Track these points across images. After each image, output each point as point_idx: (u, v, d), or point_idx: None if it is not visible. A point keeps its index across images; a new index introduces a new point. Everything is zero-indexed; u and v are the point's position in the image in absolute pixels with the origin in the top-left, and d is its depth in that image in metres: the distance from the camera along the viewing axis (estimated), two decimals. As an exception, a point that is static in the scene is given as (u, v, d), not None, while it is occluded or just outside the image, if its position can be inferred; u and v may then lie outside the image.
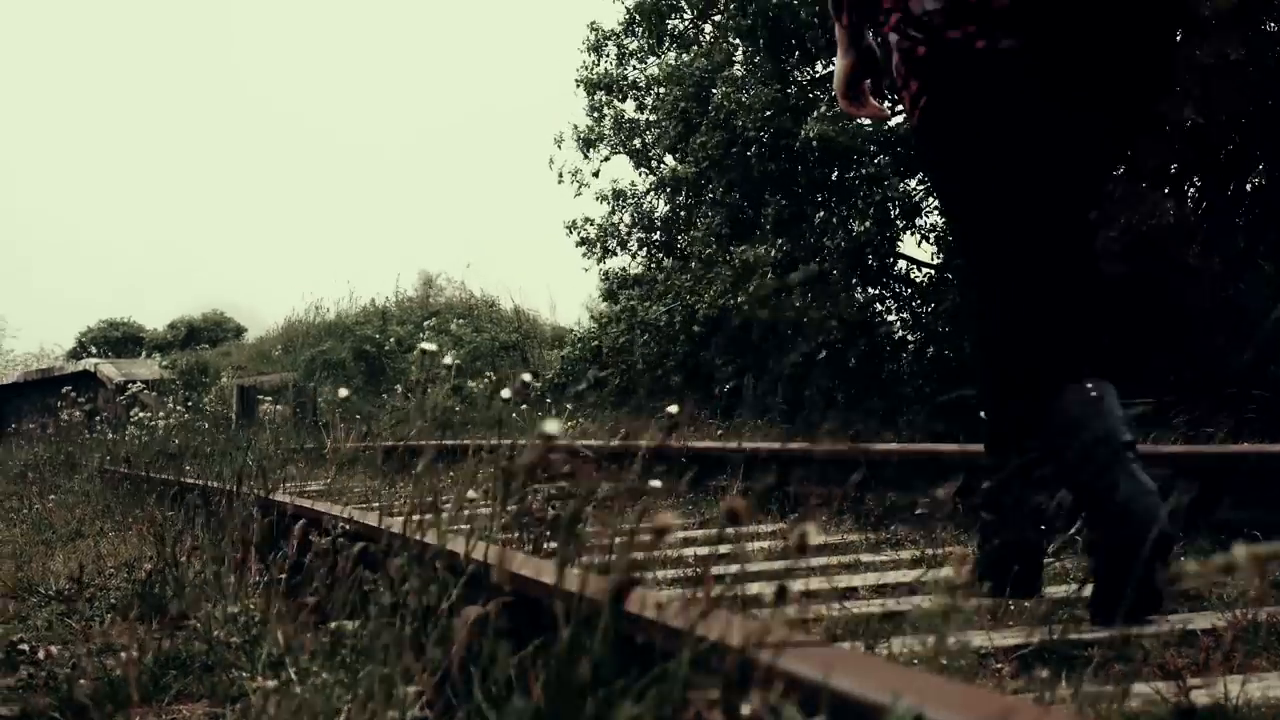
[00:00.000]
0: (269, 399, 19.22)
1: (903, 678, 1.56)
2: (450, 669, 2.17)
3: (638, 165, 18.93)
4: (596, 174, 19.17)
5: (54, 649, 3.35)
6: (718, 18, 17.79)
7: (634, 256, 19.26)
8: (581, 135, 19.06)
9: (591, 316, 20.46)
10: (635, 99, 18.94)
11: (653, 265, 18.78)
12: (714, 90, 16.67)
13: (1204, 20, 13.08)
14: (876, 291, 16.32)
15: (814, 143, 15.36)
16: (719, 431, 11.66)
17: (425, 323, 27.38)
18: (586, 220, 19.27)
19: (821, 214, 15.78)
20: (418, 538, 2.59)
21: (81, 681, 2.86)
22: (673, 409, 3.20)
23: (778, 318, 14.76)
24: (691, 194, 17.53)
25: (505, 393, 2.51)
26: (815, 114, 15.78)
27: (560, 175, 19.21)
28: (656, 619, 1.85)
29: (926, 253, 16.63)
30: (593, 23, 18.98)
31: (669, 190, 18.17)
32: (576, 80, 19.12)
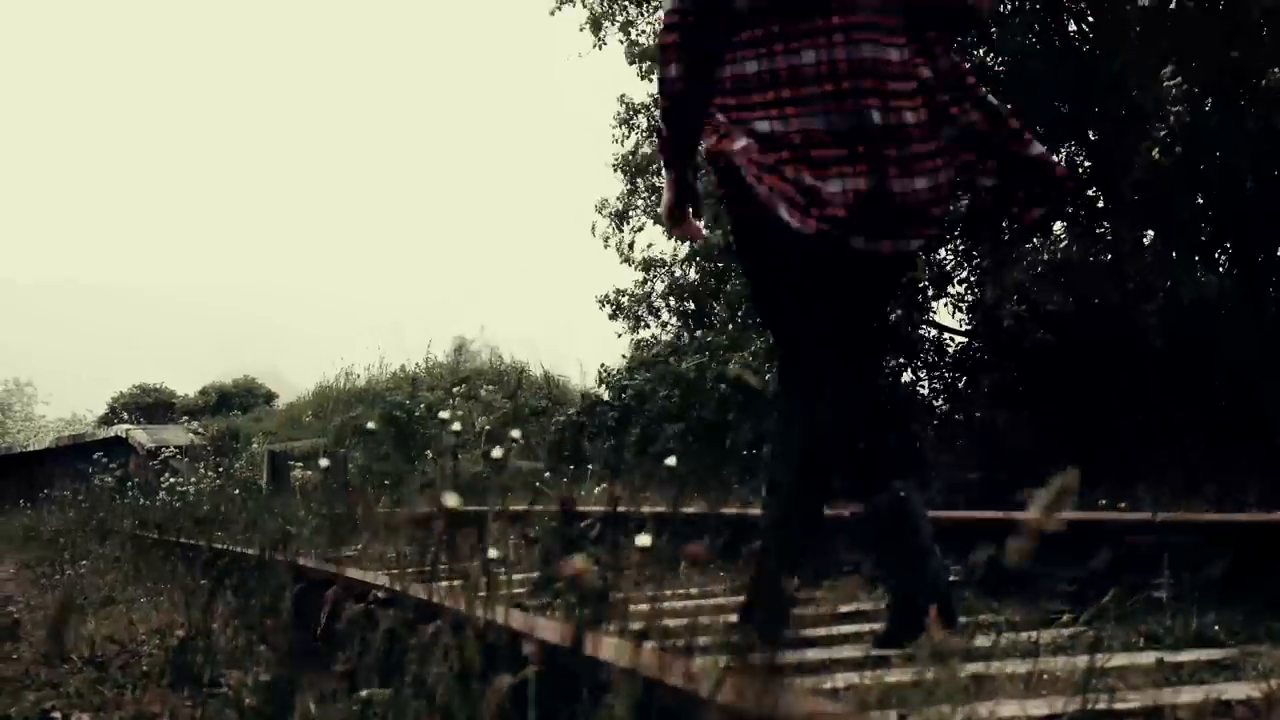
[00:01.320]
0: (300, 464, 19.26)
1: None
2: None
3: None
4: (631, 245, 19.26)
5: (85, 716, 3.36)
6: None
7: (664, 326, 19.34)
8: (613, 211, 19.21)
9: (608, 377, 20.45)
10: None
11: (684, 334, 18.84)
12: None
13: (1253, 89, 13.13)
14: (904, 361, 16.31)
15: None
16: (749, 496, 11.61)
17: (454, 389, 27.44)
18: (619, 292, 19.38)
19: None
20: (447, 604, 2.60)
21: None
22: (670, 461, 3.24)
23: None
24: (722, 262, 17.60)
25: (496, 451, 2.52)
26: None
27: (605, 241, 19.33)
28: (683, 686, 1.85)
29: (958, 321, 16.64)
30: (622, 96, 19.10)
31: (700, 259, 18.25)
32: (610, 164, 19.25)
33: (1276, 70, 13.11)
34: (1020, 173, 4.00)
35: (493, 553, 2.93)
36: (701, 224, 4.43)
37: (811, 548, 3.96)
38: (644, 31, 18.59)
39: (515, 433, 2.82)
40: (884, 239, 3.79)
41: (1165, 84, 13.49)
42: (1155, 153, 14.15)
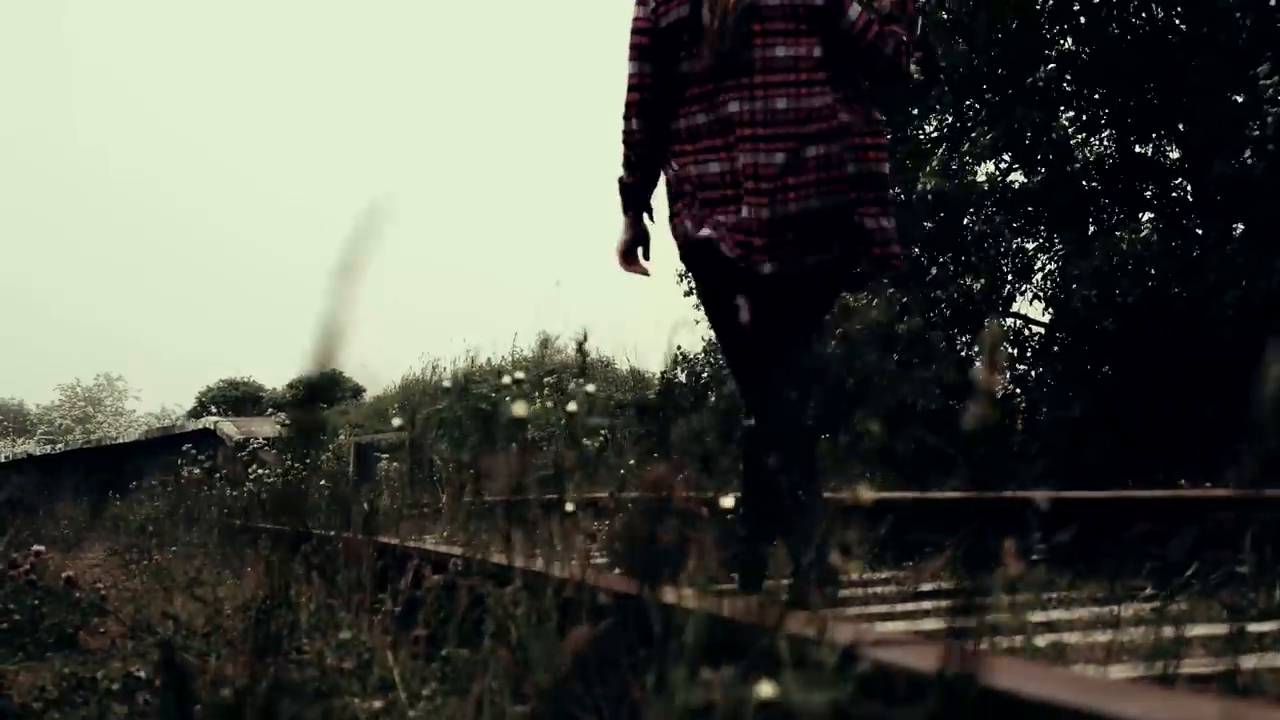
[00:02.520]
0: (386, 456, 19.34)
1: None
2: (558, 684, 2.19)
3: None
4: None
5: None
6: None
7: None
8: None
9: (683, 361, 20.32)
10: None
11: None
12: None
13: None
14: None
15: (929, 195, 15.33)
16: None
17: (544, 379, 27.49)
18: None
19: (935, 269, 15.73)
20: (520, 565, 2.62)
21: (197, 707, 2.90)
22: None
23: (879, 369, 14.74)
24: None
25: (571, 406, 2.55)
26: (928, 168, 15.75)
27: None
28: (742, 619, 1.86)
29: (1037, 310, 16.55)
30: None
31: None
32: None
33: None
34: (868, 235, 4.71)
35: (569, 507, 2.95)
36: (649, 264, 5.18)
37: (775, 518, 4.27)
38: None
39: (590, 387, 2.85)
40: (789, 260, 4.59)
41: (1261, 83, 13.36)
42: (1247, 155, 14.02)
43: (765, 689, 1.64)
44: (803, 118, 4.59)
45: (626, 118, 4.90)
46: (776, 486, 4.35)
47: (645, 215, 5.13)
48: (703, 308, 5.15)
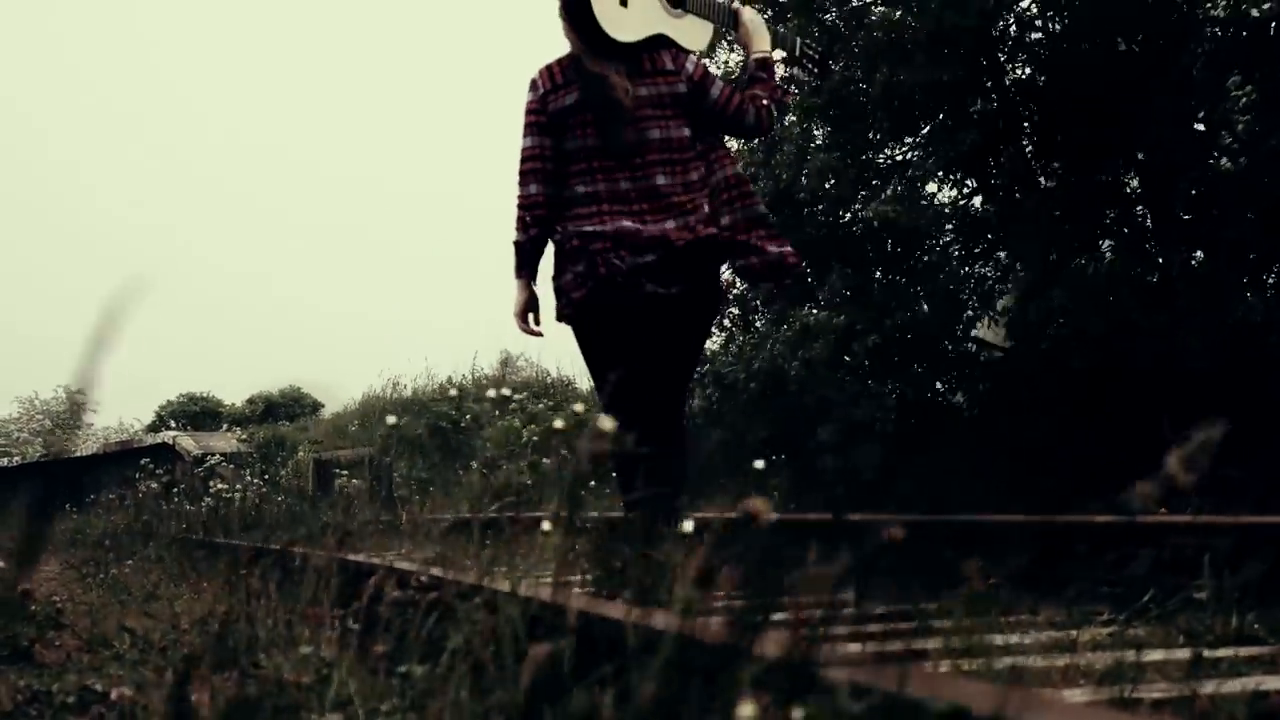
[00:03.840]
0: (345, 473, 19.32)
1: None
2: (519, 702, 2.18)
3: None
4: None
5: (127, 691, 3.38)
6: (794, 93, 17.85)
7: (710, 336, 19.10)
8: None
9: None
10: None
11: (728, 342, 18.74)
12: (776, 155, 16.66)
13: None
14: (937, 373, 16.25)
15: (875, 223, 15.41)
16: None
17: (503, 393, 27.45)
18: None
19: (881, 290, 15.80)
20: (486, 584, 2.62)
21: (154, 721, 2.89)
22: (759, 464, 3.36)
23: (833, 388, 14.78)
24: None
25: (558, 423, 2.56)
26: (882, 196, 15.82)
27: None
28: (711, 640, 1.87)
29: (998, 335, 16.58)
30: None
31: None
32: None
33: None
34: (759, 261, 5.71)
35: (545, 525, 2.95)
36: (540, 326, 5.82)
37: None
38: None
39: (559, 423, 2.85)
40: (663, 288, 5.45)
41: (1234, 94, 13.42)
42: (1224, 161, 14.09)
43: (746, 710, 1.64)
44: (678, 190, 5.53)
45: (522, 183, 5.67)
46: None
47: (534, 279, 5.82)
48: (585, 357, 5.84)
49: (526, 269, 5.76)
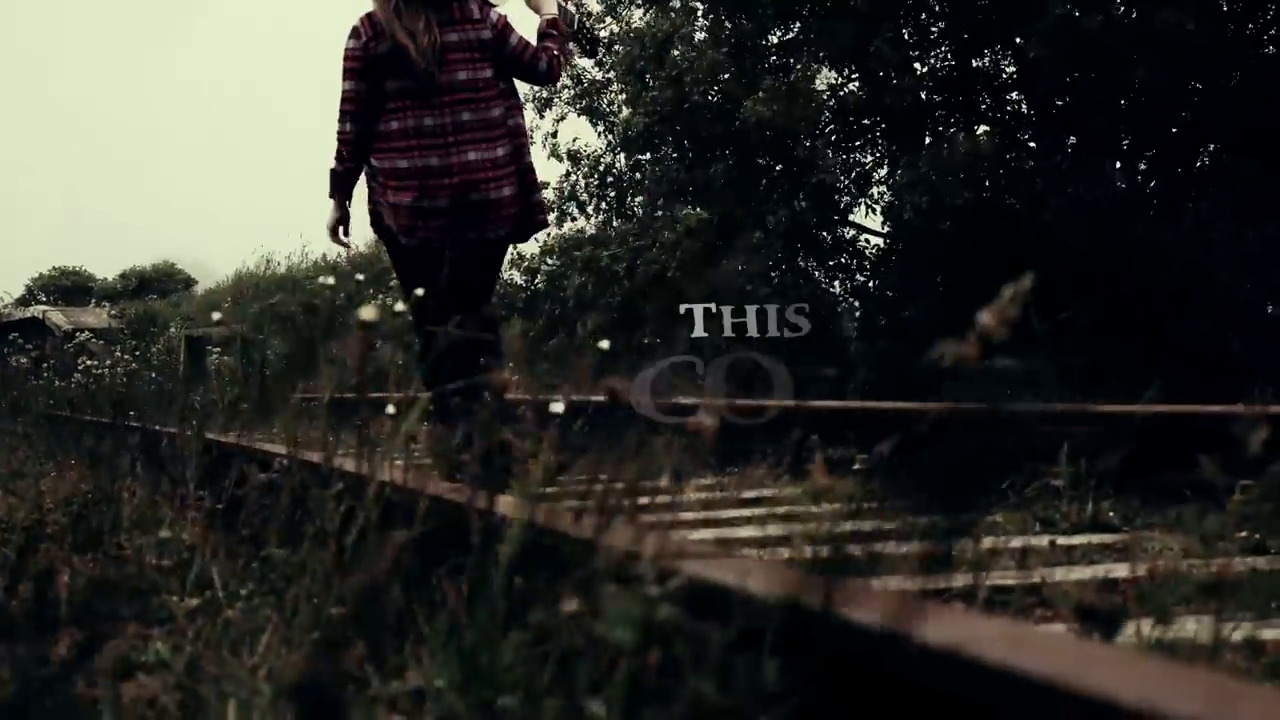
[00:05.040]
0: (217, 350, 19.14)
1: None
2: (374, 589, 2.20)
3: (594, 121, 18.82)
4: (554, 134, 19.09)
5: (-15, 575, 3.36)
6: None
7: (589, 218, 19.11)
8: (536, 94, 18.90)
9: (527, 267, 20.34)
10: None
11: (606, 225, 18.75)
12: (672, 51, 16.64)
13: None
14: (818, 264, 16.37)
15: (755, 122, 15.45)
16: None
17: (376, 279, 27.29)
18: (542, 184, 19.07)
19: (764, 183, 15.85)
20: (348, 468, 2.63)
21: (13, 603, 2.88)
22: (604, 344, 3.37)
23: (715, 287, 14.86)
24: (643, 148, 17.54)
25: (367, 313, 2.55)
26: (759, 93, 15.85)
27: (530, 135, 19.03)
28: (568, 531, 1.90)
29: (875, 222, 16.72)
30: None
31: (623, 146, 18.13)
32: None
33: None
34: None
35: (390, 410, 2.96)
36: (352, 239, 6.69)
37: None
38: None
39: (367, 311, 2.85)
40: (472, 233, 6.18)
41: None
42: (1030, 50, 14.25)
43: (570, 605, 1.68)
44: (483, 125, 6.21)
45: (341, 121, 6.31)
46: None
47: (348, 201, 6.52)
48: (395, 270, 6.71)
49: (340, 191, 6.49)
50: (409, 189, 6.20)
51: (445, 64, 6.18)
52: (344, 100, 6.31)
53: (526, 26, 6.66)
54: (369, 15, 6.26)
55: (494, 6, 6.43)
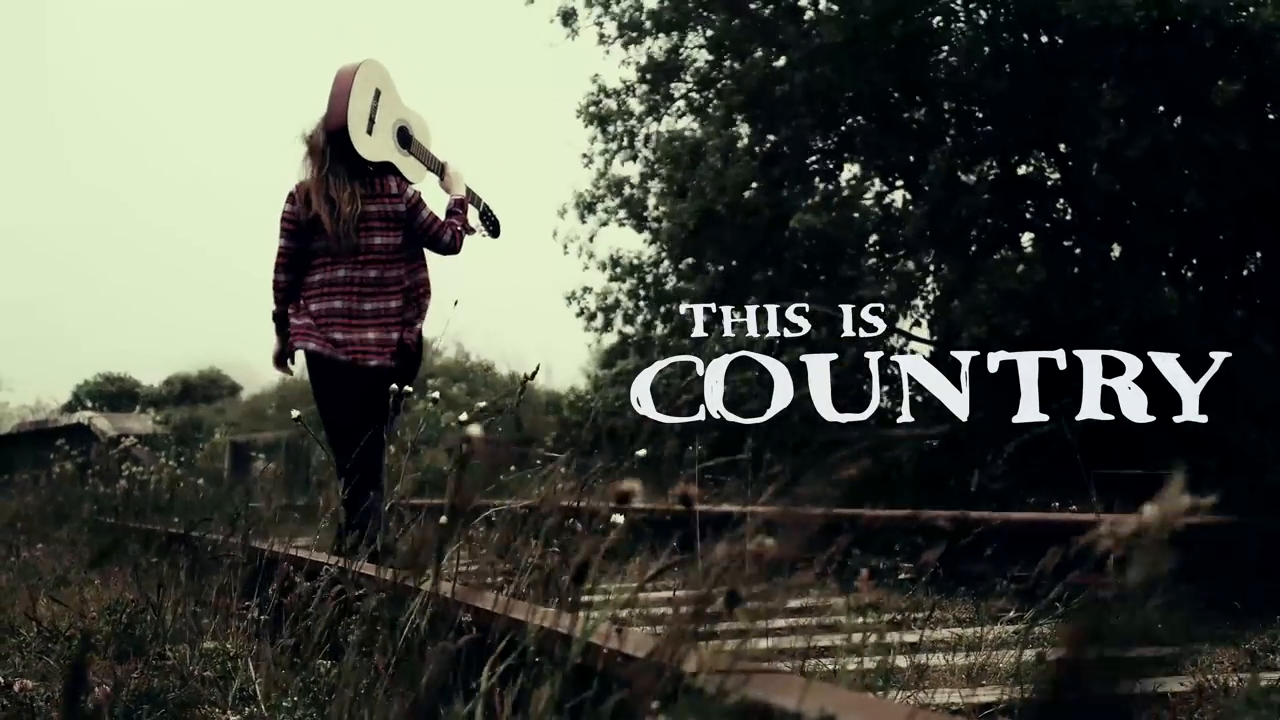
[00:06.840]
0: (262, 456, 19.16)
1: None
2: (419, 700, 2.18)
3: (633, 220, 18.73)
4: (592, 238, 19.04)
5: (30, 683, 3.35)
6: (721, 85, 17.76)
7: (633, 324, 19.03)
8: (582, 200, 18.88)
9: (588, 376, 20.33)
10: (632, 154, 18.86)
11: (649, 331, 18.72)
12: (707, 159, 16.65)
13: (1210, 108, 13.17)
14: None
15: (799, 233, 15.47)
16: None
17: (429, 381, 27.34)
18: (585, 290, 19.07)
19: (808, 294, 15.83)
20: (393, 580, 2.61)
21: (54, 714, 2.87)
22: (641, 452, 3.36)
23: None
24: (686, 254, 17.55)
25: (474, 429, 2.54)
26: (805, 203, 15.88)
27: (565, 247, 19.03)
28: (619, 650, 1.88)
29: (925, 332, 16.67)
30: (595, 75, 18.86)
31: (665, 246, 18.10)
32: (577, 111, 18.94)
33: (1223, 83, 13.13)
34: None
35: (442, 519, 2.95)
36: (293, 366, 7.55)
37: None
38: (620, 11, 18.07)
39: (474, 429, 2.84)
40: (363, 360, 7.00)
41: (1107, 100, 13.59)
42: (1093, 169, 14.24)
43: None
44: (382, 282, 7.10)
45: (276, 272, 7.21)
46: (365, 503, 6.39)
47: (285, 334, 7.28)
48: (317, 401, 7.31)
49: (279, 331, 7.34)
50: (329, 325, 7.09)
51: (364, 229, 7.12)
52: (279, 255, 7.24)
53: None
54: (304, 186, 7.18)
55: (410, 184, 7.38)
